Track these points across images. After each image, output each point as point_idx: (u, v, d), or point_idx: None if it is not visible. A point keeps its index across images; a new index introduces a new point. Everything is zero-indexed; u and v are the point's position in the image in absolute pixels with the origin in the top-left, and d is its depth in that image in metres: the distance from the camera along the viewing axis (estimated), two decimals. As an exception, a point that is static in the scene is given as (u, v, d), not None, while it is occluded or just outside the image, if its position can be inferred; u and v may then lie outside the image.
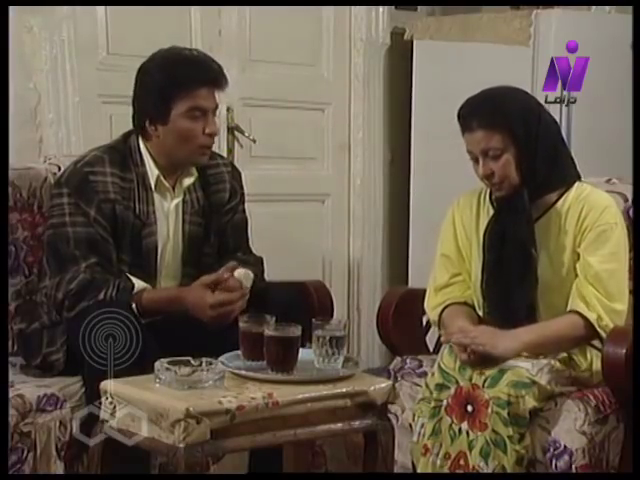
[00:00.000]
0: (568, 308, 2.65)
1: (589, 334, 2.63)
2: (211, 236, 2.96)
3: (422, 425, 2.61)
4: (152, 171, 2.85)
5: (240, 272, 2.87)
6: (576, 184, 2.73)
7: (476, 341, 2.55)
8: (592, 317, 2.60)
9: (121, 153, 2.85)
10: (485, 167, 2.67)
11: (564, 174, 2.72)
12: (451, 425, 2.55)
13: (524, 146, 2.64)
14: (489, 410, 2.48)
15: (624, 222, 2.72)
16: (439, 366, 2.62)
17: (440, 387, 2.59)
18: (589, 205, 2.67)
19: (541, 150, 2.66)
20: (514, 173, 2.66)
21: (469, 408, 2.53)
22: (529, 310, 2.68)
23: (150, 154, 2.86)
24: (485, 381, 2.52)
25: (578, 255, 2.67)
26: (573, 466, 2.50)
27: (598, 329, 2.60)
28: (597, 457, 2.54)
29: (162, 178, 2.87)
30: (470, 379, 2.55)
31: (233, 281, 2.77)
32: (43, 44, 3.64)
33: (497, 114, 2.65)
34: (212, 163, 2.97)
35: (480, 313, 2.78)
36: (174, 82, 2.78)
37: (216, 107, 2.86)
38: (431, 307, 2.85)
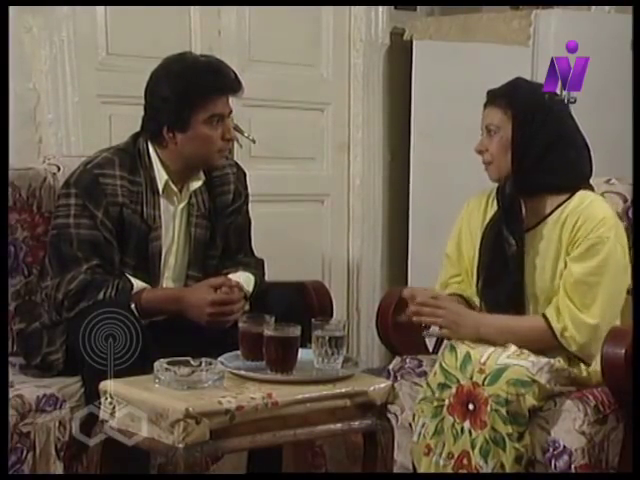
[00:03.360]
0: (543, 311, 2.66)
1: (554, 341, 2.62)
2: (216, 238, 2.96)
3: (423, 425, 2.61)
4: (161, 175, 2.85)
5: (241, 276, 2.88)
6: (579, 193, 2.70)
7: (440, 322, 2.65)
8: (557, 327, 2.60)
9: (131, 156, 2.85)
10: (481, 142, 2.73)
11: (559, 178, 2.69)
12: (453, 424, 2.55)
13: (520, 134, 2.66)
14: (488, 408, 2.48)
15: (624, 236, 2.67)
16: (440, 365, 2.62)
17: (442, 386, 2.59)
18: (585, 216, 2.65)
19: (535, 146, 2.66)
20: (505, 157, 2.68)
21: (470, 406, 2.52)
22: (518, 310, 2.68)
23: (160, 158, 2.86)
24: (485, 379, 2.52)
25: (566, 264, 2.67)
26: (572, 466, 2.50)
27: (560, 339, 2.60)
28: (596, 457, 2.54)
29: (171, 182, 2.87)
30: (471, 377, 2.54)
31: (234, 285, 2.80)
32: (42, 44, 3.64)
33: (508, 96, 2.70)
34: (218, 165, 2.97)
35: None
36: (195, 91, 2.78)
37: (230, 112, 2.87)
38: None
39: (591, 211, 2.66)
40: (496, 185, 2.78)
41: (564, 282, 2.64)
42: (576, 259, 2.64)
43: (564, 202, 2.70)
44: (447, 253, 2.89)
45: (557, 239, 2.68)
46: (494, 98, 2.72)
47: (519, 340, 2.61)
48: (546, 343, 2.63)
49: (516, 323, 2.67)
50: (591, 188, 2.75)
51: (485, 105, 2.75)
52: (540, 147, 2.67)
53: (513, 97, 2.70)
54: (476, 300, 2.80)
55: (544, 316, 2.63)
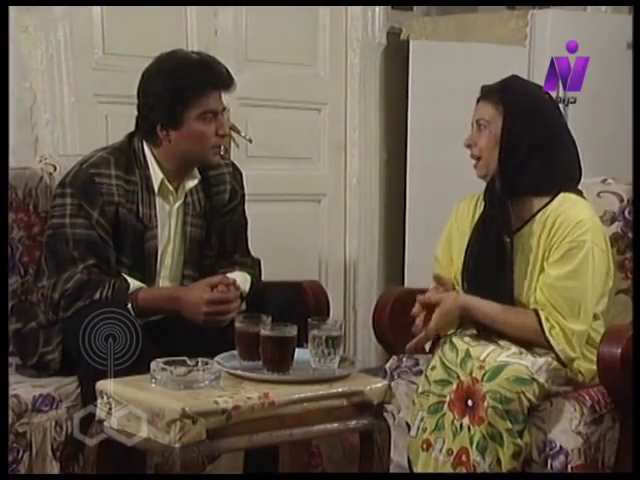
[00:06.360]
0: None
1: (542, 340, 2.61)
2: (212, 238, 2.96)
3: (422, 419, 2.60)
4: (156, 174, 2.85)
5: (237, 276, 2.88)
6: (561, 195, 2.69)
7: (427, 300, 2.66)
8: (546, 326, 2.59)
9: (126, 155, 2.85)
10: (471, 136, 2.73)
11: (544, 180, 2.67)
12: (453, 421, 2.54)
13: (509, 130, 2.65)
14: (485, 403, 2.48)
15: (602, 239, 2.65)
16: (441, 361, 2.61)
17: (443, 383, 2.59)
18: (562, 219, 2.63)
19: (523, 145, 2.65)
20: (493, 153, 2.67)
21: (469, 402, 2.52)
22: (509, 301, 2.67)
23: (155, 157, 2.86)
24: (484, 375, 2.52)
25: (544, 268, 2.65)
26: (569, 466, 2.50)
27: (548, 336, 2.59)
28: (593, 457, 2.54)
29: (166, 181, 2.87)
30: (471, 373, 2.54)
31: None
32: (39, 44, 3.63)
33: (501, 92, 2.70)
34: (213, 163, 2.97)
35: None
36: (187, 87, 2.78)
37: (224, 108, 2.87)
38: None
39: (568, 214, 2.64)
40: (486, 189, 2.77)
41: (542, 286, 2.63)
42: (553, 265, 2.62)
43: (546, 204, 2.69)
44: (437, 256, 2.86)
45: (537, 241, 2.67)
46: (487, 93, 2.72)
47: (510, 332, 2.61)
48: (534, 340, 2.62)
49: (512, 315, 2.64)
50: (577, 191, 2.73)
51: (478, 100, 2.74)
52: (528, 146, 2.65)
53: (506, 93, 2.69)
54: None
55: (536, 312, 2.62)
